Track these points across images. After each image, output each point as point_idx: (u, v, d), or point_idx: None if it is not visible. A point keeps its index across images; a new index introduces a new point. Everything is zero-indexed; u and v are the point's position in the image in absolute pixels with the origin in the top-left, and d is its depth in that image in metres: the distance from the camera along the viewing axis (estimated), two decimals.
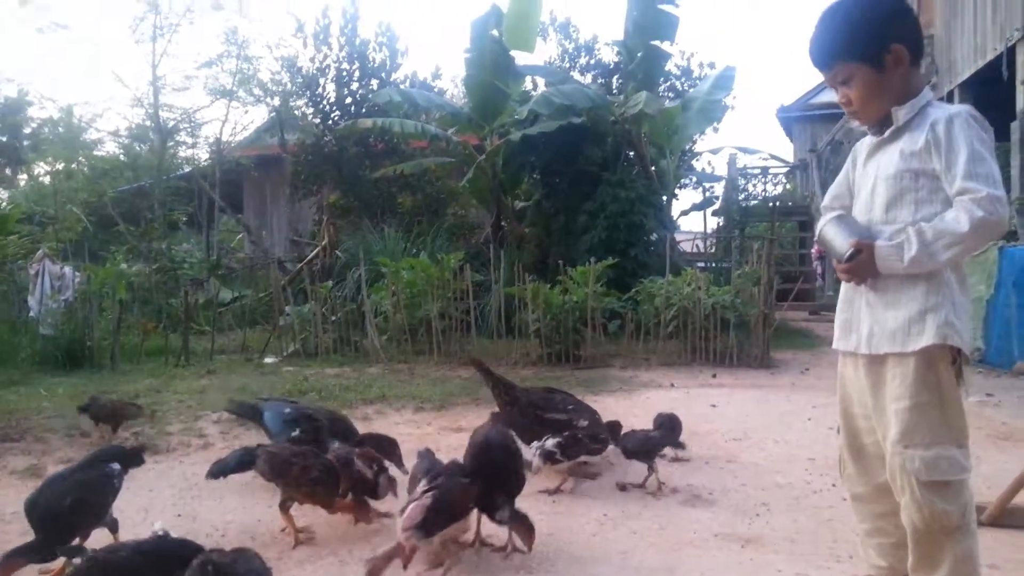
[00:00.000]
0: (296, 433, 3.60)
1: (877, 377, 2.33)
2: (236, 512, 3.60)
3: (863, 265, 2.26)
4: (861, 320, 2.36)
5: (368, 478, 3.23)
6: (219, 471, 3.33)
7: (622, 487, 3.92)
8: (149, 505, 3.69)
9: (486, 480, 2.96)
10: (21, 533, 3.19)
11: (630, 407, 5.96)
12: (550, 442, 3.65)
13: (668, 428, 4.31)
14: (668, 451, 4.35)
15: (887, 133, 2.33)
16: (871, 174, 2.38)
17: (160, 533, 2.63)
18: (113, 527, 2.98)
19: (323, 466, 3.17)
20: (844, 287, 2.46)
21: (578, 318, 8.50)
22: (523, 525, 2.92)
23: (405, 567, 2.66)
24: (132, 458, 3.32)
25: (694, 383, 7.32)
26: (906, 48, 2.23)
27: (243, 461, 3.32)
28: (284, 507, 3.18)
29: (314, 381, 7.19)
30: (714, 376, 7.68)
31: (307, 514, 3.34)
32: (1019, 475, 3.36)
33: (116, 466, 3.08)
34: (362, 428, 5.26)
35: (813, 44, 2.34)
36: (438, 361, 8.61)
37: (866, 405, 2.40)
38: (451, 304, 9.04)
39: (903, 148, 2.26)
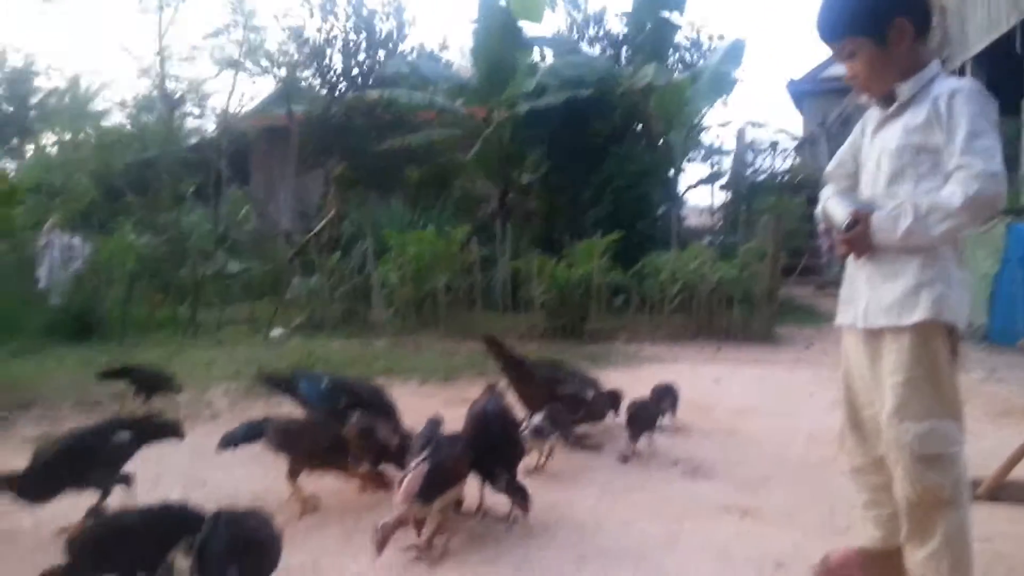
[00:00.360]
0: (343, 402, 3.60)
1: (875, 351, 2.36)
2: (244, 481, 3.68)
3: (860, 236, 2.27)
4: (860, 294, 2.40)
5: (392, 446, 3.28)
6: (229, 442, 3.37)
7: (624, 458, 3.97)
8: (160, 474, 3.76)
9: (485, 450, 3.04)
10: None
11: (634, 381, 5.97)
12: (536, 418, 3.68)
13: (662, 398, 4.39)
14: (667, 421, 4.41)
15: (892, 108, 2.34)
16: (877, 148, 2.40)
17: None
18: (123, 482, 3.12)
19: (333, 435, 3.23)
20: (849, 263, 2.49)
21: (584, 292, 8.54)
22: (519, 494, 3.00)
23: (418, 533, 2.76)
24: (155, 431, 3.42)
25: (698, 358, 7.37)
26: (910, 22, 2.23)
27: (251, 433, 3.37)
28: (292, 476, 3.25)
29: (320, 353, 7.26)
30: (718, 351, 7.73)
31: (312, 483, 3.41)
32: (1015, 450, 3.41)
33: (124, 435, 3.14)
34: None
35: (820, 18, 2.35)
36: (444, 334, 8.67)
37: (865, 378, 2.44)
38: (457, 277, 9.08)
39: (906, 123, 2.26)
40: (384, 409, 3.70)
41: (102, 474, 3.09)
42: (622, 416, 4.20)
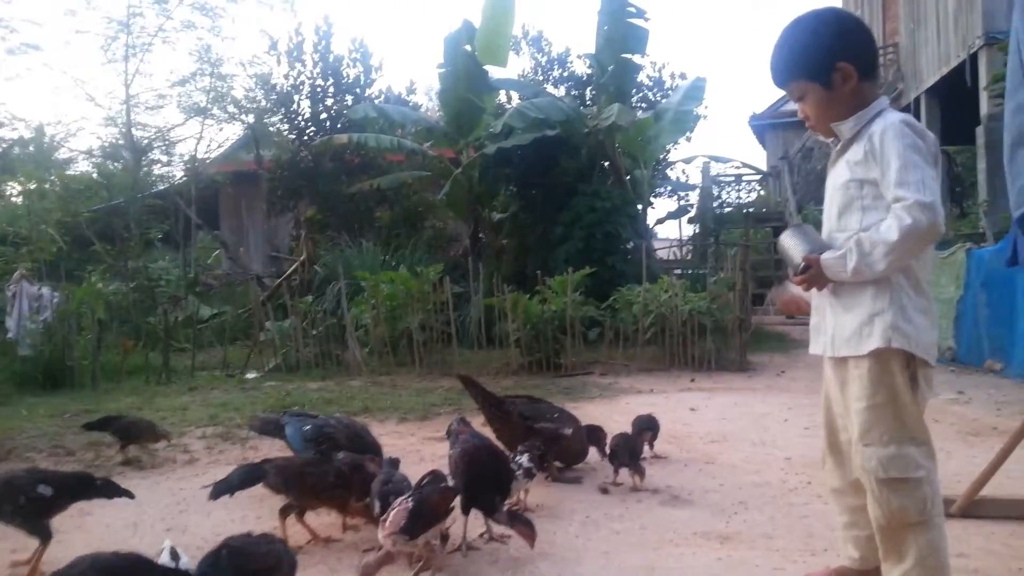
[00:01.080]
0: (319, 451, 3.57)
1: (843, 378, 2.44)
2: (225, 524, 3.64)
3: (814, 277, 2.38)
4: (827, 324, 2.49)
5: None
6: (224, 490, 3.23)
7: (604, 490, 4.00)
8: (138, 520, 3.72)
9: (480, 484, 3.10)
10: (11, 550, 3.22)
11: (610, 413, 6.05)
12: (523, 459, 3.68)
13: (643, 429, 4.44)
14: (646, 451, 4.45)
15: (839, 145, 2.47)
16: (829, 183, 2.54)
17: (168, 549, 2.62)
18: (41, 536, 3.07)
19: (336, 472, 3.24)
20: (814, 294, 2.58)
21: (557, 327, 8.62)
22: (523, 524, 3.02)
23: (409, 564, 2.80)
24: (83, 490, 3.32)
25: (673, 388, 7.43)
26: (852, 65, 2.33)
27: (248, 478, 3.27)
28: (292, 515, 3.25)
29: (296, 395, 7.23)
30: (692, 381, 7.80)
31: (291, 523, 3.39)
32: (985, 468, 3.49)
33: (46, 490, 3.11)
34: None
35: (771, 65, 2.48)
36: (420, 372, 8.68)
37: (840, 403, 2.52)
38: (431, 316, 9.11)
39: (849, 159, 2.38)
40: (368, 450, 3.71)
41: (18, 522, 3.09)
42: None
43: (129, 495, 3.48)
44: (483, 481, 3.15)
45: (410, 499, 2.79)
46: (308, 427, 3.80)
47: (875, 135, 2.28)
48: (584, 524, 3.57)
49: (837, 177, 2.44)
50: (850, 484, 2.55)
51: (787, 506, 3.75)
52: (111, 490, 3.40)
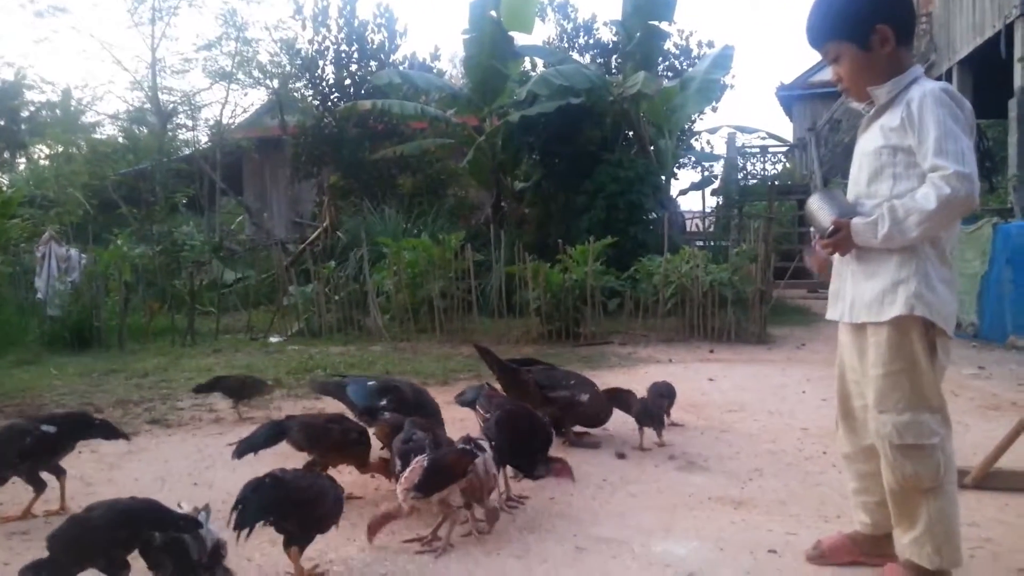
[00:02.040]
0: (383, 403, 3.60)
1: (862, 345, 2.46)
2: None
3: (842, 241, 2.37)
4: (846, 290, 2.51)
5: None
6: (248, 448, 3.24)
7: (621, 455, 4.06)
8: (165, 475, 3.82)
9: (519, 446, 3.26)
10: (44, 501, 3.33)
11: (628, 381, 6.04)
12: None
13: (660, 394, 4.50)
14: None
15: (872, 111, 2.44)
16: (859, 149, 2.51)
17: (190, 511, 2.56)
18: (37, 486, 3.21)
19: (357, 429, 3.31)
20: (835, 260, 2.59)
21: (578, 296, 8.64)
22: (559, 463, 3.25)
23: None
24: (85, 429, 3.48)
25: (692, 358, 7.46)
26: (891, 28, 2.32)
27: (272, 435, 3.31)
28: (323, 470, 3.30)
29: (319, 359, 7.34)
30: (711, 352, 7.82)
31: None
32: (1001, 440, 3.50)
33: (49, 428, 3.26)
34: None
35: (807, 24, 2.47)
36: (440, 339, 8.76)
37: (856, 370, 2.54)
38: (452, 283, 9.17)
39: (883, 124, 2.36)
40: (428, 409, 3.71)
41: (27, 466, 3.22)
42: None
43: (125, 437, 3.66)
44: (521, 442, 3.28)
45: (426, 458, 2.85)
46: (372, 382, 3.83)
47: (913, 101, 2.27)
48: (600, 487, 3.63)
49: (868, 143, 2.43)
50: (861, 450, 2.58)
51: (802, 474, 3.79)
52: (109, 431, 3.57)
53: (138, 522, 2.36)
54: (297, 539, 2.59)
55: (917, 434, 2.32)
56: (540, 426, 3.44)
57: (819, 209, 2.46)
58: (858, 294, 2.43)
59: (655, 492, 3.53)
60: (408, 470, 2.81)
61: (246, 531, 2.51)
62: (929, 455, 2.33)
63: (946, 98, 2.24)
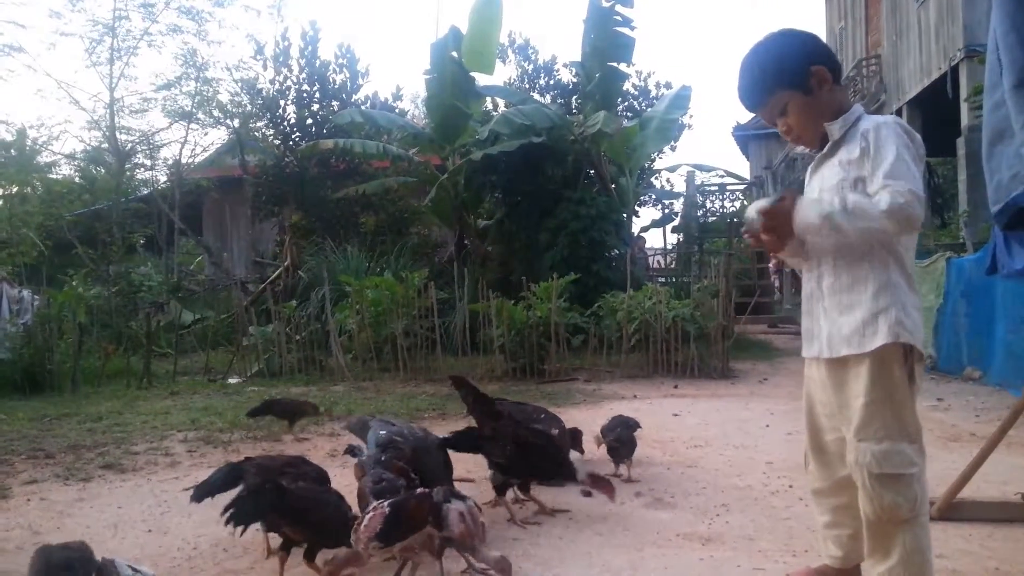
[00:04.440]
0: (384, 458, 3.45)
1: (841, 377, 2.46)
2: (207, 525, 3.62)
3: (782, 214, 2.30)
4: (821, 328, 2.50)
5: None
6: (205, 492, 3.20)
7: (586, 493, 4.00)
8: (118, 521, 3.69)
9: (534, 464, 3.60)
10: None
11: (594, 418, 6.05)
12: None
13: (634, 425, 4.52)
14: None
15: (827, 147, 2.49)
16: (815, 187, 2.54)
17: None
18: None
19: (315, 472, 3.23)
20: (805, 298, 2.59)
21: (542, 333, 8.64)
22: (600, 482, 3.54)
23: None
24: None
25: (656, 394, 7.46)
26: (825, 67, 2.41)
27: (229, 478, 3.23)
28: None
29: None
30: (675, 387, 7.84)
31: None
32: (964, 471, 3.53)
33: None
34: (329, 444, 5.32)
35: (743, 88, 2.52)
36: (404, 378, 8.67)
37: (828, 404, 2.53)
38: (416, 322, 9.10)
39: (841, 159, 2.41)
40: (427, 468, 3.53)
41: None
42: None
43: None
44: (535, 462, 3.59)
45: (387, 505, 2.78)
46: (383, 432, 3.70)
47: (870, 132, 2.32)
48: (567, 525, 3.58)
49: (826, 179, 2.46)
50: (835, 483, 2.57)
51: (769, 508, 3.78)
52: None
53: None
54: (310, 547, 2.85)
55: (896, 463, 2.32)
56: (549, 442, 3.75)
57: (759, 202, 2.44)
58: (835, 329, 2.43)
59: (622, 530, 3.49)
60: (368, 517, 2.73)
61: (240, 528, 2.83)
62: (907, 485, 2.33)
63: (900, 129, 2.31)
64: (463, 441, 3.92)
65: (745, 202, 20.27)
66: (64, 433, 5.88)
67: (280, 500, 2.83)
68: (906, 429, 2.34)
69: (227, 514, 2.81)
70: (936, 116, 14.10)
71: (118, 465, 4.85)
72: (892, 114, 14.11)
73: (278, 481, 2.92)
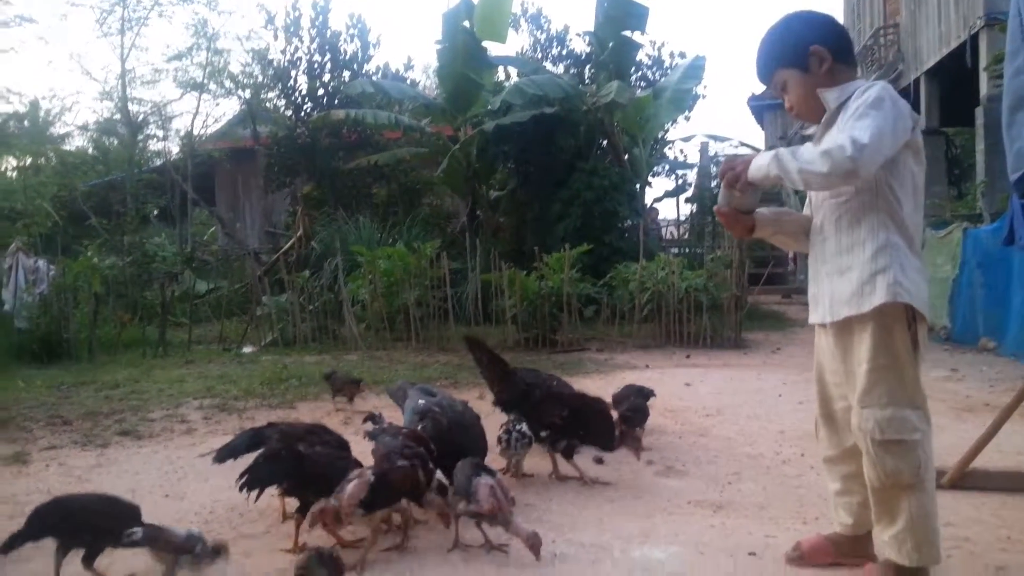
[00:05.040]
0: (421, 427, 3.47)
1: (846, 343, 2.48)
2: (222, 491, 3.66)
3: (738, 164, 2.48)
4: (823, 292, 2.54)
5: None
6: (228, 454, 3.22)
7: (598, 460, 4.03)
8: (136, 487, 3.73)
9: (589, 429, 3.71)
10: (9, 516, 3.25)
11: (606, 387, 6.05)
12: (523, 426, 3.71)
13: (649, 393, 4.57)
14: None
15: (826, 116, 2.51)
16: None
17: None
18: None
19: (336, 439, 3.26)
20: (809, 263, 2.63)
21: (554, 304, 8.64)
22: (633, 441, 3.68)
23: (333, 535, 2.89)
24: None
25: (668, 364, 7.47)
26: (825, 48, 2.47)
27: (252, 442, 3.24)
28: None
29: (293, 368, 7.25)
30: (688, 357, 7.84)
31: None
32: (976, 441, 3.53)
33: None
34: (342, 413, 5.37)
35: (756, 64, 2.67)
36: (416, 347, 8.71)
37: (836, 372, 2.55)
38: (428, 292, 9.12)
39: (840, 124, 2.41)
40: (464, 441, 3.47)
41: None
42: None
43: None
44: (595, 425, 3.70)
45: (371, 473, 2.80)
46: (422, 401, 3.68)
47: (857, 95, 2.36)
48: (579, 492, 3.60)
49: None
50: (845, 451, 2.59)
51: (780, 477, 3.79)
52: None
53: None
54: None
55: (899, 429, 2.34)
56: (606, 408, 3.87)
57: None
58: (836, 292, 2.46)
59: (633, 497, 3.52)
60: (352, 484, 2.74)
61: (255, 492, 2.88)
62: (910, 451, 2.34)
63: (884, 93, 2.32)
64: (516, 400, 3.93)
65: None
66: (81, 400, 5.95)
67: (297, 465, 2.89)
68: (910, 395, 2.36)
69: (242, 479, 2.86)
70: (954, 86, 13.89)
71: (135, 432, 4.91)
72: (910, 84, 13.97)
73: (295, 446, 2.96)
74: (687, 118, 17.32)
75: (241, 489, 2.86)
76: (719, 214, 2.72)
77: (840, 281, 2.44)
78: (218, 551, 2.64)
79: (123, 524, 2.61)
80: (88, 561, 2.62)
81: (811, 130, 2.68)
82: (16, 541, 2.62)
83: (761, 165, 2.38)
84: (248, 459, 3.04)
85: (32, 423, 5.21)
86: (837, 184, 2.34)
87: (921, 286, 2.37)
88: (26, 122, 25.35)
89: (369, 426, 3.56)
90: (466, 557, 2.85)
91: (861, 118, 2.26)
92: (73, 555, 2.62)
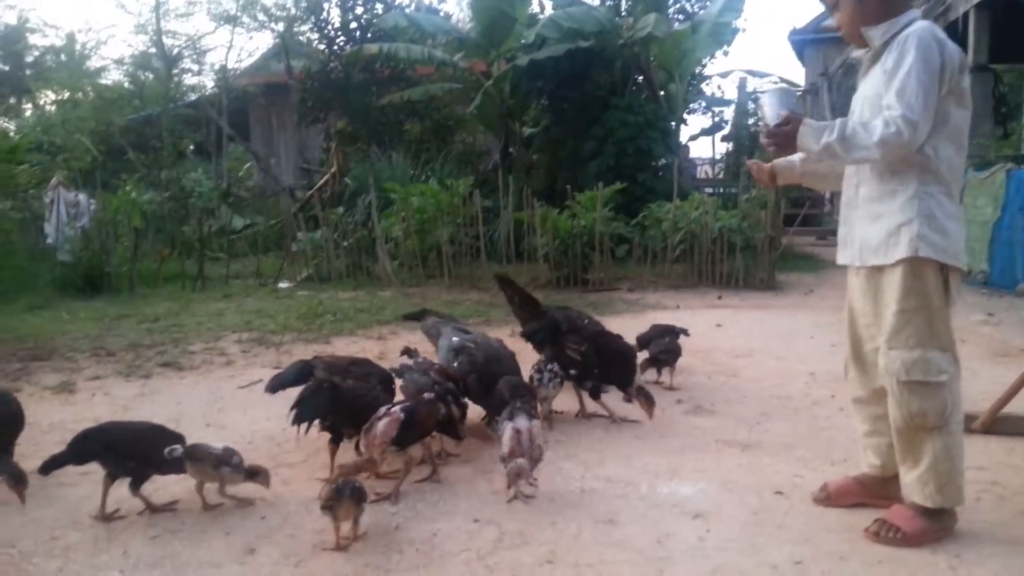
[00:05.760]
0: (456, 364, 3.55)
1: (876, 285, 2.48)
2: (261, 422, 3.79)
3: (786, 134, 2.41)
4: (854, 235, 2.53)
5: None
6: (279, 384, 3.36)
7: (627, 399, 4.08)
8: (179, 416, 3.86)
9: (616, 367, 3.73)
10: (58, 443, 3.38)
11: (636, 327, 6.08)
12: (554, 365, 3.76)
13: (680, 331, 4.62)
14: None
15: (869, 54, 2.45)
16: (860, 93, 2.55)
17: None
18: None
19: (380, 373, 3.34)
20: (842, 205, 2.60)
21: (586, 243, 8.62)
22: (645, 397, 3.56)
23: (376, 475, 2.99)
24: None
25: (700, 304, 7.46)
26: None
27: (301, 374, 3.37)
28: None
29: (328, 304, 7.36)
30: (719, 298, 7.81)
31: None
32: (1010, 386, 3.51)
33: None
34: (377, 347, 5.46)
35: None
36: (449, 285, 8.78)
37: (867, 313, 2.56)
38: (461, 230, 9.14)
39: (885, 66, 2.37)
40: (498, 375, 3.47)
41: None
42: None
43: None
44: (614, 363, 3.70)
45: (400, 411, 2.87)
46: (456, 338, 3.75)
47: (902, 41, 2.30)
48: (607, 430, 3.67)
49: (867, 88, 2.47)
50: (874, 392, 2.60)
51: (809, 418, 3.82)
52: None
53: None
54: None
55: (924, 371, 2.35)
56: (627, 348, 3.90)
57: (771, 104, 2.52)
58: (865, 238, 2.47)
59: (661, 435, 3.57)
60: (383, 422, 2.82)
61: (304, 426, 3.05)
62: (935, 393, 2.35)
63: (929, 40, 2.27)
64: (543, 333, 4.01)
65: (799, 110, 19.66)
66: (124, 333, 6.12)
67: (339, 400, 3.03)
68: (938, 337, 2.36)
69: (292, 413, 3.04)
70: (1007, 20, 13.33)
71: (176, 364, 5.06)
72: (958, 18, 13.46)
73: (336, 381, 3.08)
74: (725, 53, 16.85)
75: (293, 423, 3.04)
76: (750, 165, 2.80)
77: (870, 228, 2.44)
78: (255, 472, 2.76)
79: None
80: (135, 487, 2.75)
81: (858, 54, 2.61)
82: (57, 462, 2.76)
83: (811, 148, 2.36)
84: (295, 392, 3.16)
85: (77, 354, 5.38)
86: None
87: (954, 234, 2.35)
88: (63, 56, 25.46)
89: (406, 359, 3.64)
90: (495, 490, 2.93)
91: (905, 83, 2.23)
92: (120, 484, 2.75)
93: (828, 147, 2.31)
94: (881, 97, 2.34)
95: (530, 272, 8.92)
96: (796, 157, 2.78)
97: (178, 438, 2.79)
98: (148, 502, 2.78)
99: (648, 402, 3.57)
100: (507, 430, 2.83)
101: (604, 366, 3.76)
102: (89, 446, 2.77)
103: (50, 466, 2.74)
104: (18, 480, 2.75)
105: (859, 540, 2.49)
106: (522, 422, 2.85)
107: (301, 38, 17.19)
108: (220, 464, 2.72)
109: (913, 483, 2.44)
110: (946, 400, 2.36)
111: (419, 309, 5.35)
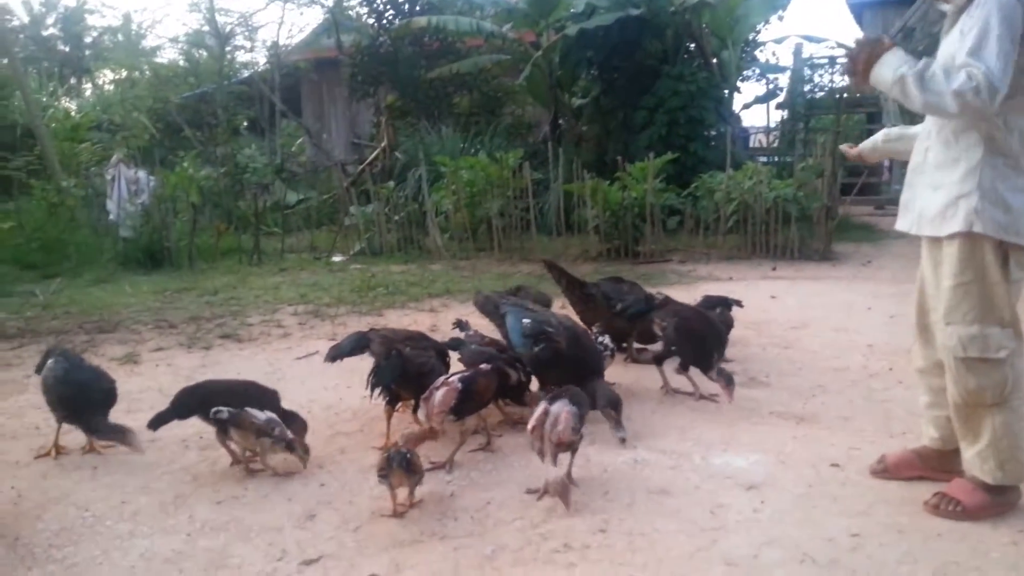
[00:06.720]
0: (538, 349, 3.35)
1: (937, 256, 2.42)
2: (318, 392, 3.88)
3: (870, 51, 2.30)
4: (916, 202, 2.46)
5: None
6: (337, 354, 3.46)
7: (681, 370, 4.06)
8: None
9: (697, 347, 3.62)
10: (126, 411, 3.51)
11: (687, 299, 6.03)
12: (605, 339, 3.78)
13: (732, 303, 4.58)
14: None
15: (951, 12, 2.35)
16: (942, 51, 2.42)
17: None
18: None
19: (435, 345, 3.42)
20: (909, 170, 2.53)
21: (637, 214, 8.54)
22: (726, 380, 3.43)
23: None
24: None
25: (753, 276, 7.36)
26: None
27: (357, 344, 3.47)
28: None
29: (381, 278, 7.45)
30: (774, 269, 7.70)
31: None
32: None
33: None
34: (429, 319, 5.52)
35: None
36: (499, 257, 8.80)
37: (932, 284, 2.50)
38: (511, 202, 9.14)
39: (963, 27, 2.27)
40: (585, 356, 3.41)
41: None
42: None
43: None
44: (701, 344, 3.61)
45: (458, 380, 2.90)
46: (527, 320, 3.52)
47: (983, 2, 2.19)
48: (661, 401, 3.67)
49: (946, 47, 2.36)
50: (935, 364, 2.55)
51: (867, 391, 3.76)
52: None
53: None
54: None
55: (983, 347, 2.29)
56: (716, 329, 3.82)
57: (875, 24, 2.47)
58: (924, 207, 2.41)
59: (716, 408, 3.55)
60: (441, 392, 2.85)
61: (378, 390, 3.19)
62: (994, 369, 2.29)
63: (1013, 2, 2.16)
64: (595, 318, 4.08)
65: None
66: (184, 306, 6.29)
67: (400, 366, 3.13)
68: (998, 313, 2.30)
69: (370, 381, 3.22)
70: None
71: (235, 335, 5.19)
72: None
73: (399, 348, 3.19)
74: (780, 18, 16.48)
75: (371, 391, 3.21)
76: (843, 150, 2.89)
77: (932, 197, 2.37)
78: (293, 446, 2.83)
79: (262, 407, 2.87)
80: (223, 435, 2.92)
81: (944, 6, 2.49)
82: (163, 418, 2.96)
83: (885, 79, 2.25)
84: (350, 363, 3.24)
85: (141, 326, 5.56)
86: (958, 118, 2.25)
87: (1017, 210, 2.25)
88: (120, 36, 25.98)
89: (458, 332, 3.69)
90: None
91: (986, 43, 2.12)
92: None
93: (902, 80, 2.19)
94: (956, 58, 2.25)
95: (580, 244, 8.90)
96: (879, 137, 2.77)
97: (272, 394, 2.94)
98: (235, 454, 2.97)
99: (728, 384, 3.42)
100: (539, 409, 2.75)
101: (695, 346, 3.65)
102: (189, 401, 2.90)
103: (157, 422, 2.97)
104: (125, 435, 3.00)
105: (918, 513, 2.46)
106: (558, 406, 2.69)
107: (351, 13, 17.24)
108: (261, 434, 2.79)
109: (973, 458, 2.40)
110: (1006, 377, 2.30)
111: (516, 287, 5.12)
